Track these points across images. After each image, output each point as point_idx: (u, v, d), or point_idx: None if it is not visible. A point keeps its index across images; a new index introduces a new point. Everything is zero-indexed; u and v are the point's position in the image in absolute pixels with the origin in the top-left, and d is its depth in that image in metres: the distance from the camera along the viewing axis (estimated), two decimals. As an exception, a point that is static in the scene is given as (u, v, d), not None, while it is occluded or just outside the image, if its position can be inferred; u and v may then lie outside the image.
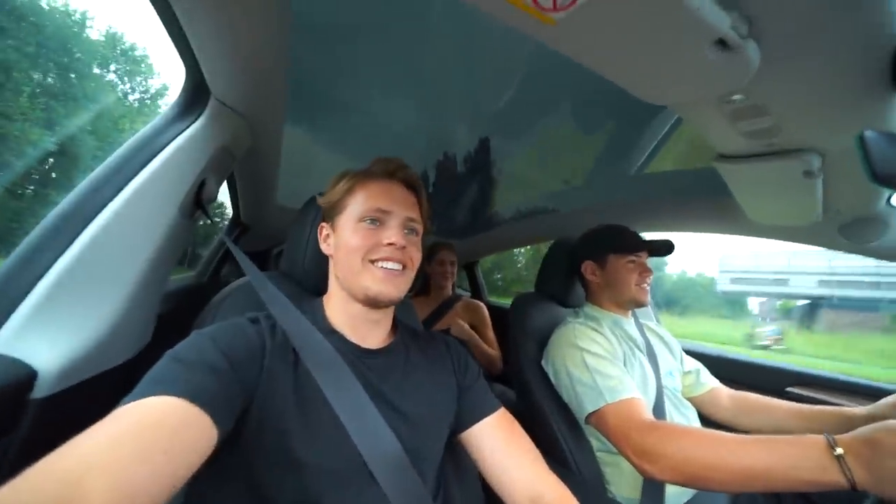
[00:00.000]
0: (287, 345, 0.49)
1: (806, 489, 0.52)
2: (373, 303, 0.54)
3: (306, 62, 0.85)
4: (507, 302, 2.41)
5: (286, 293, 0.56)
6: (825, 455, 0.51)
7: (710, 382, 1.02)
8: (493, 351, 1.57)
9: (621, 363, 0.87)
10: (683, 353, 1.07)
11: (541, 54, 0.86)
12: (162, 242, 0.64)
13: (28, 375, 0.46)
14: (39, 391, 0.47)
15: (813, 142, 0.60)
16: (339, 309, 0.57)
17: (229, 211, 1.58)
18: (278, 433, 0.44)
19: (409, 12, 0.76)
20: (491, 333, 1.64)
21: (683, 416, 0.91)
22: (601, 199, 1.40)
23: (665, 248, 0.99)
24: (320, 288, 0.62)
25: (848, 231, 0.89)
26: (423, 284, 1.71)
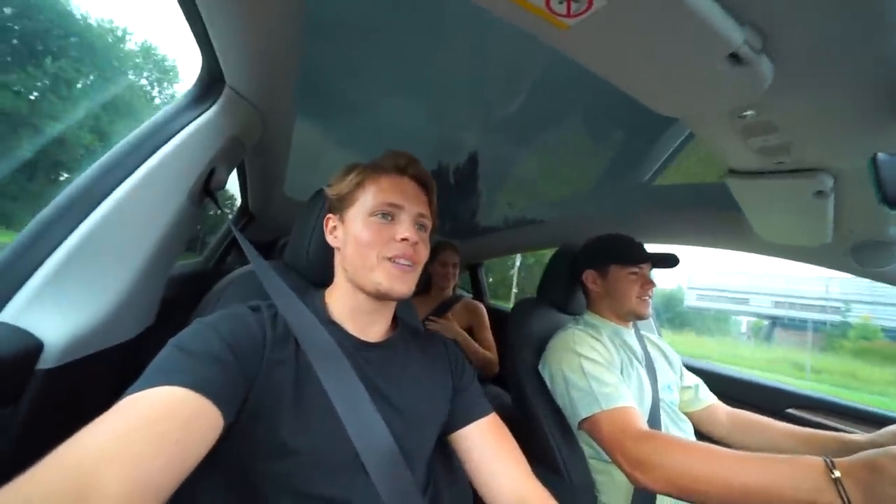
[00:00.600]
0: (288, 334, 0.50)
1: None
2: (383, 297, 0.54)
3: (320, 60, 0.86)
4: (505, 305, 2.41)
5: (288, 283, 0.56)
6: (823, 477, 0.50)
7: (708, 398, 1.01)
8: (489, 353, 1.57)
9: (618, 371, 0.86)
10: (684, 368, 1.06)
11: (553, 61, 0.85)
12: (170, 227, 0.65)
13: (35, 346, 0.47)
14: (45, 362, 0.48)
15: (826, 162, 0.59)
16: (342, 301, 0.57)
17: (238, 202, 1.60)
18: (273, 421, 0.45)
19: (422, 15, 0.76)
20: (488, 335, 1.63)
21: (680, 430, 0.91)
22: (609, 208, 1.40)
23: (669, 261, 0.98)
24: (322, 279, 0.62)
25: (859, 254, 0.87)
26: (424, 283, 1.71)
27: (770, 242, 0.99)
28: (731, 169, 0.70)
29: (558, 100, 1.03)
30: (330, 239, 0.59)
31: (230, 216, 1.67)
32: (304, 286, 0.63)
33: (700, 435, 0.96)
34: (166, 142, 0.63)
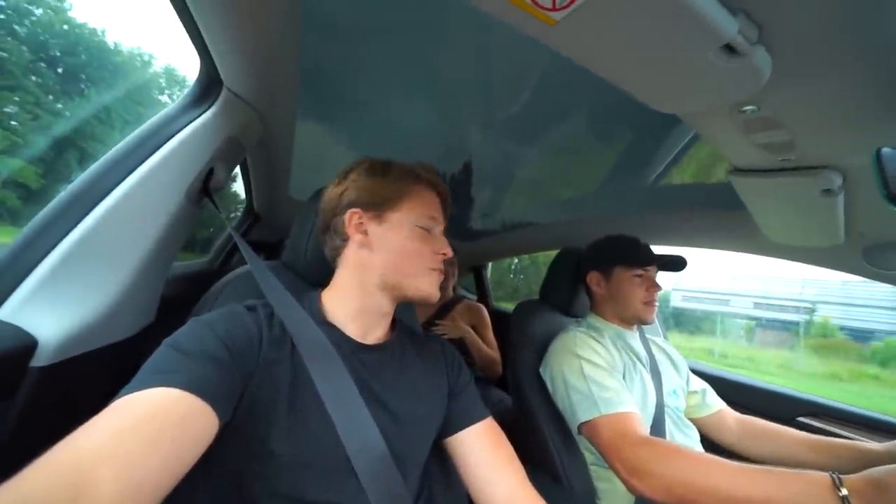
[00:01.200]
0: (283, 334, 0.49)
1: None
2: (422, 301, 0.57)
3: (322, 61, 0.86)
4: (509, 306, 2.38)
5: (285, 283, 0.56)
6: (829, 494, 0.48)
7: (716, 404, 0.98)
8: (494, 352, 1.56)
9: (620, 375, 0.84)
10: (690, 373, 1.03)
11: (558, 61, 0.84)
12: (168, 226, 0.66)
13: (29, 344, 0.48)
14: (39, 360, 0.49)
15: (832, 159, 0.56)
16: (347, 301, 0.56)
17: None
18: (267, 421, 0.44)
19: (424, 15, 0.76)
20: (491, 335, 1.63)
21: (685, 437, 0.88)
22: (615, 208, 1.37)
23: (677, 264, 0.95)
24: (320, 279, 0.62)
25: (872, 256, 0.84)
26: None
27: (779, 244, 0.96)
28: (735, 167, 0.68)
29: (563, 99, 1.02)
30: (351, 231, 0.56)
31: (233, 217, 1.69)
32: (302, 286, 0.63)
33: (708, 442, 0.93)
34: (165, 143, 0.64)
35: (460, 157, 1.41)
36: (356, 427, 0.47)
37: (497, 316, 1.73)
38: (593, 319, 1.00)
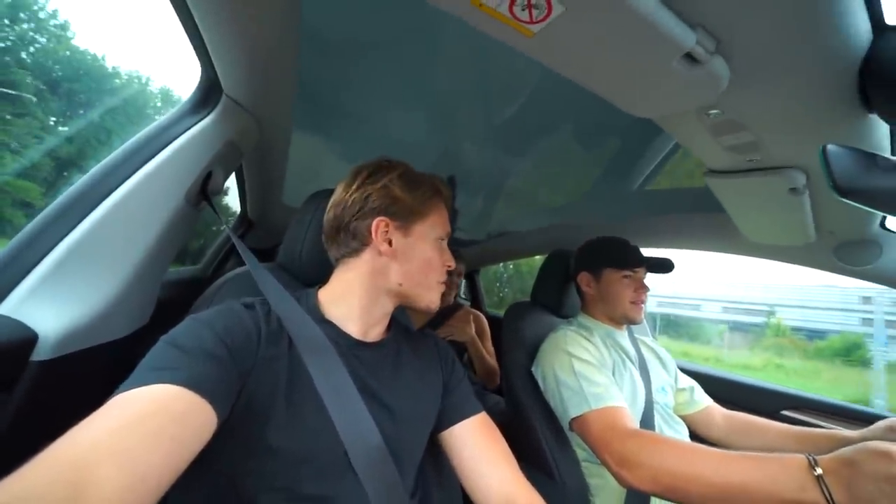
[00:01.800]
0: (281, 330, 0.50)
1: None
2: (427, 310, 0.59)
3: (319, 73, 0.90)
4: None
5: (281, 283, 0.57)
6: (805, 474, 0.51)
7: (704, 401, 1.00)
8: (494, 362, 1.56)
9: (609, 372, 0.86)
10: (678, 371, 1.06)
11: (546, 73, 0.88)
12: (167, 227, 0.68)
13: (30, 338, 0.49)
14: (39, 354, 0.50)
15: (795, 159, 0.61)
16: (349, 299, 0.56)
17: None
18: (264, 418, 0.45)
19: (418, 30, 0.79)
20: (490, 345, 1.63)
21: (674, 432, 0.90)
22: (603, 214, 1.42)
23: (665, 266, 0.98)
24: (315, 279, 0.63)
25: (842, 253, 0.89)
26: None
27: (757, 244, 1.00)
28: (709, 169, 0.73)
29: (551, 111, 1.06)
30: (376, 239, 0.55)
31: (230, 221, 1.70)
32: (297, 286, 0.64)
33: (696, 438, 0.95)
34: (165, 146, 0.66)
35: (451, 166, 1.44)
36: (353, 422, 0.48)
37: (491, 321, 1.74)
38: (584, 319, 1.03)
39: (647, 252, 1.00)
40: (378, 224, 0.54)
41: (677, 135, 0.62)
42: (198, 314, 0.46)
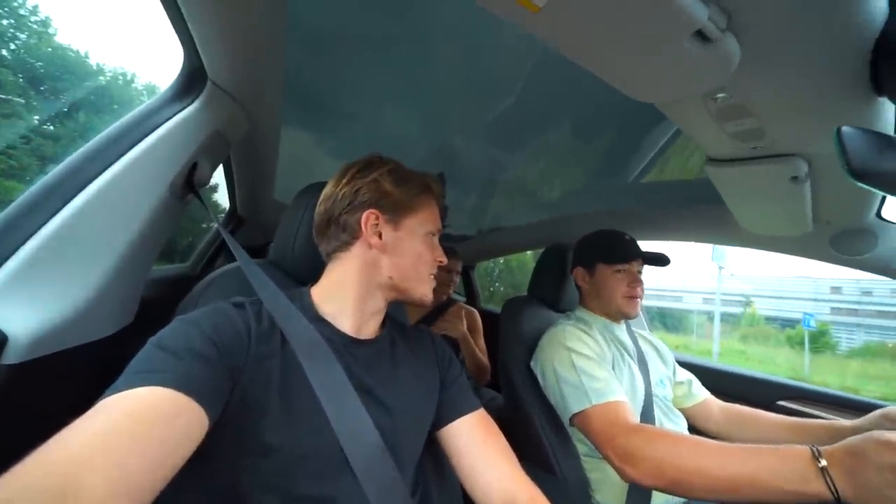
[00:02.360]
0: (273, 328, 0.49)
1: (789, 500, 0.51)
2: (419, 303, 0.60)
3: (309, 68, 0.87)
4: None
5: (274, 281, 0.55)
6: (809, 466, 0.50)
7: (701, 394, 1.01)
8: (485, 360, 1.56)
9: (609, 366, 0.86)
10: (676, 364, 1.06)
11: (542, 66, 0.87)
12: (150, 221, 0.64)
13: None
14: (10, 357, 0.46)
15: (798, 146, 0.60)
16: (343, 297, 0.55)
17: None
18: (258, 417, 0.44)
19: (410, 23, 0.77)
20: (482, 342, 1.63)
21: (673, 424, 0.90)
22: (600, 206, 1.41)
23: (660, 260, 0.98)
24: (308, 276, 0.61)
25: (838, 243, 0.89)
26: None
27: (754, 235, 1.00)
28: (709, 157, 0.72)
29: (550, 104, 1.05)
30: (366, 232, 0.55)
31: (219, 218, 1.65)
32: (290, 283, 0.62)
33: (695, 430, 0.95)
34: (147, 135, 0.63)
35: (444, 161, 1.42)
36: (349, 419, 0.47)
37: (485, 316, 1.74)
38: (582, 313, 1.02)
39: (644, 245, 0.99)
40: (368, 216, 0.55)
41: (680, 121, 0.61)
42: (186, 315, 0.45)
